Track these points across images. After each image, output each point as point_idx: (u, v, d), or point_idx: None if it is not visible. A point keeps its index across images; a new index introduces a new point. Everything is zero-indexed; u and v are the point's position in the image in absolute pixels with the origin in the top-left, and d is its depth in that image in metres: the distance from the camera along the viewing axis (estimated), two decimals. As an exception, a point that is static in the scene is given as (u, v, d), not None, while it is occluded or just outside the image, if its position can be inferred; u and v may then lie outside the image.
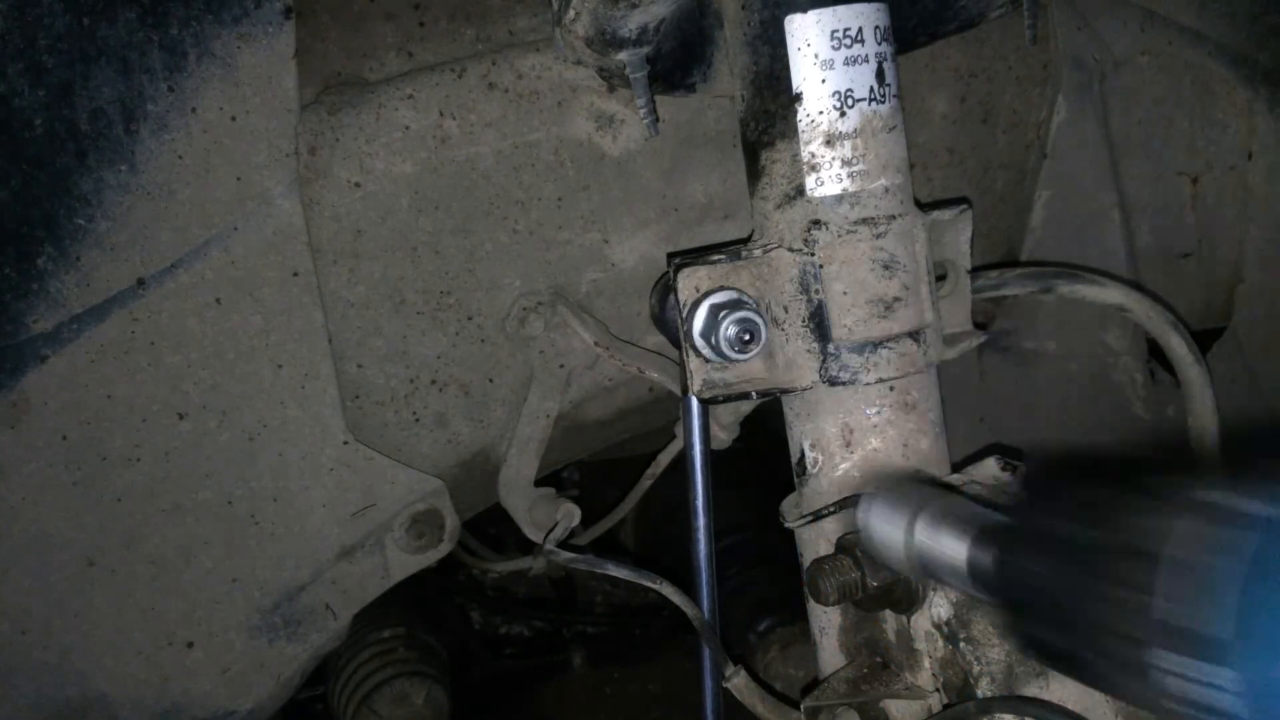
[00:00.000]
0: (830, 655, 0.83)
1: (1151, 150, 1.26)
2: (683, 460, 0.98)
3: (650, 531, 1.68)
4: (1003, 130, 1.17)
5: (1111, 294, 0.94)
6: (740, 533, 1.45)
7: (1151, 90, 1.24)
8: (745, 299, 0.81)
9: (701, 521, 0.90)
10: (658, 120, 0.85)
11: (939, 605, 0.71)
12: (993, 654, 0.68)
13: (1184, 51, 1.24)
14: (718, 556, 0.98)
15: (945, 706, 0.71)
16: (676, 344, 0.83)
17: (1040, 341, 1.27)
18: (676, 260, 0.81)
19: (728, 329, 0.79)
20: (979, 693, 0.67)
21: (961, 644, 0.69)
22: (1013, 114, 1.17)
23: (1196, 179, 1.30)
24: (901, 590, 0.72)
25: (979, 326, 0.90)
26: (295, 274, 0.90)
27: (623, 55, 0.76)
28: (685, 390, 0.90)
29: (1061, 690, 0.69)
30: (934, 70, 1.11)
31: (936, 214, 0.83)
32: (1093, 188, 1.21)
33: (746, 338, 0.79)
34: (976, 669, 0.68)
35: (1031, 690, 0.68)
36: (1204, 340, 1.41)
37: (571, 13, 0.75)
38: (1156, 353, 1.28)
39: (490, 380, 1.04)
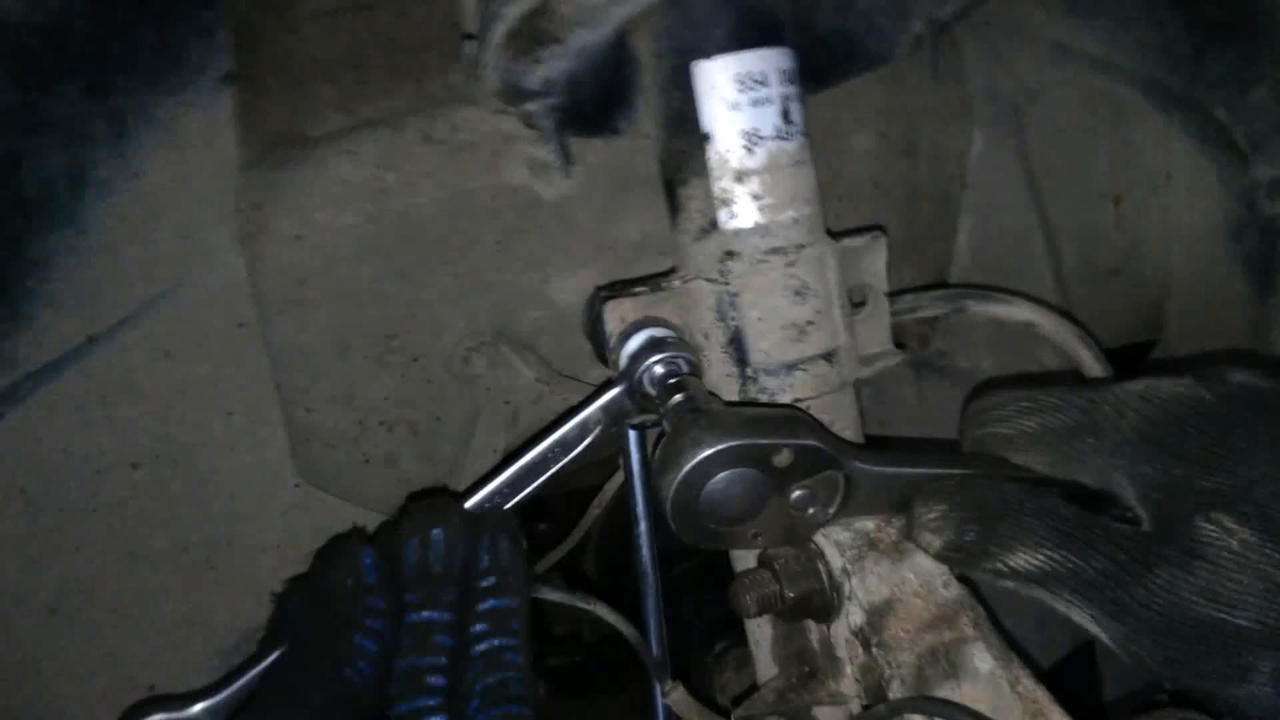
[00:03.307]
0: (766, 667, 0.87)
1: (1073, 175, 1.32)
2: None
3: (612, 561, 1.71)
4: (925, 162, 1.22)
5: (1019, 311, 0.98)
6: (693, 558, 1.49)
7: (1069, 118, 1.29)
8: (672, 339, 0.85)
9: (644, 540, 0.93)
10: (569, 164, 0.90)
11: (854, 613, 0.74)
12: (903, 657, 0.72)
13: (1097, 80, 1.29)
14: (672, 583, 1.01)
15: (864, 708, 0.75)
16: (604, 359, 0.87)
17: (975, 361, 1.32)
18: (603, 293, 0.86)
19: (653, 369, 0.83)
20: (890, 695, 0.71)
21: (874, 649, 0.72)
22: (934, 147, 1.22)
23: (1118, 200, 1.36)
24: (819, 600, 0.75)
25: (900, 347, 0.95)
26: (240, 325, 0.94)
27: (531, 106, 0.81)
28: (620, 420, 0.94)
29: (973, 690, 0.72)
30: (854, 109, 1.16)
31: (847, 241, 0.88)
32: (1015, 213, 1.26)
33: (672, 381, 0.83)
34: (888, 672, 0.71)
35: (943, 691, 0.71)
36: (1141, 351, 1.46)
37: (482, 68, 0.80)
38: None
39: (438, 419, 1.08)
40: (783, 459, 0.69)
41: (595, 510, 1.12)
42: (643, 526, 0.97)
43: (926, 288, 1.14)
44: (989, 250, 1.25)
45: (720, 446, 0.68)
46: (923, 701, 0.68)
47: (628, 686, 1.60)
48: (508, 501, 0.82)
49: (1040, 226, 1.27)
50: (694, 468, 0.68)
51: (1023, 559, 0.66)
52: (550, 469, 0.83)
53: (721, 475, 0.69)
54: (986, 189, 1.23)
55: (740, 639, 1.47)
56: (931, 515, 0.70)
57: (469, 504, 0.81)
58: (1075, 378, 1.31)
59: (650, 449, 0.91)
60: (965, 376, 1.32)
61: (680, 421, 0.72)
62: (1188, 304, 1.42)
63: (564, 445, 0.83)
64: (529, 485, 0.83)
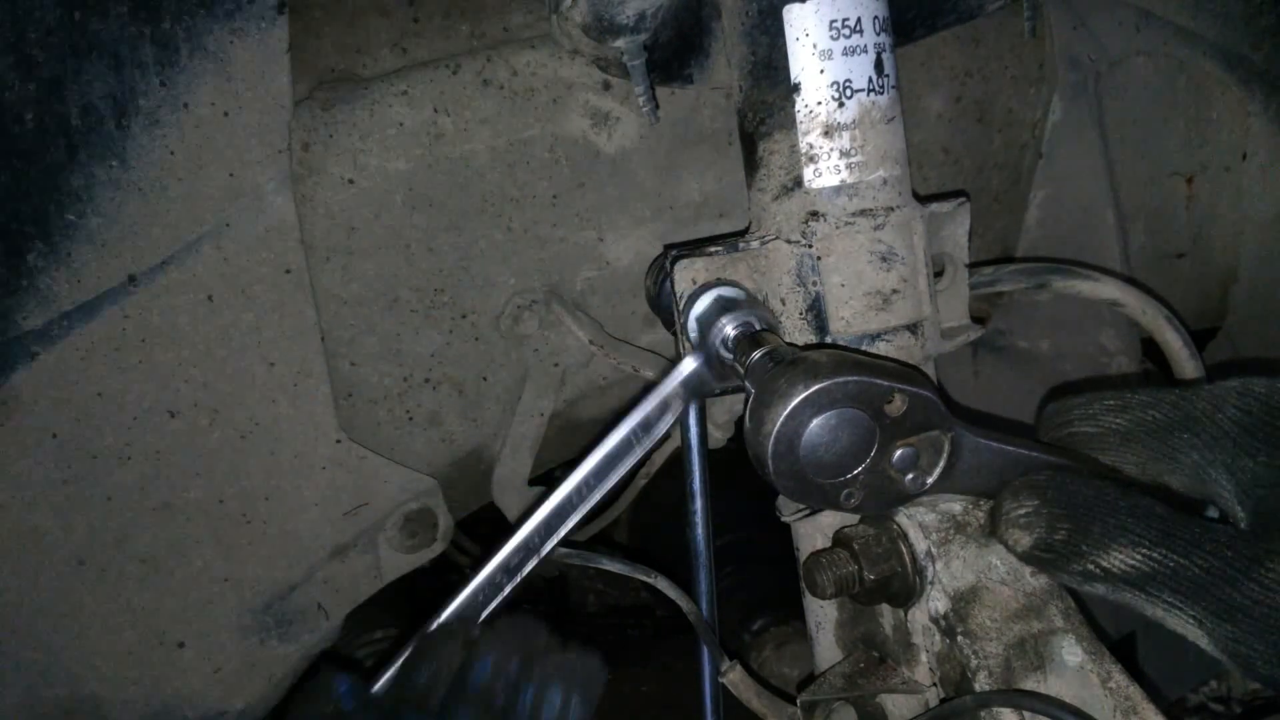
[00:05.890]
0: (827, 650, 0.83)
1: (1146, 150, 1.26)
2: (678, 459, 0.98)
3: (644, 531, 1.67)
4: (998, 130, 1.17)
5: (1106, 289, 0.94)
6: (734, 533, 1.45)
7: (1147, 90, 1.24)
8: (742, 300, 0.80)
9: (699, 518, 0.89)
10: (658, 108, 0.85)
11: (936, 599, 0.70)
12: (990, 647, 0.68)
13: (1179, 51, 1.24)
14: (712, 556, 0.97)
15: (942, 700, 0.71)
16: (670, 325, 0.82)
17: (1035, 341, 1.27)
18: (674, 252, 0.81)
19: (725, 330, 0.79)
20: (976, 687, 0.67)
21: (959, 637, 0.68)
22: (1008, 113, 1.17)
23: (1191, 179, 1.31)
24: (899, 584, 0.71)
25: (979, 321, 0.90)
26: (288, 271, 0.89)
27: (620, 42, 0.76)
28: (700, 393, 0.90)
29: (1060, 684, 0.68)
30: (930, 69, 1.11)
31: (934, 206, 0.83)
32: (1088, 188, 1.21)
33: (749, 337, 0.78)
34: (974, 663, 0.67)
35: (1029, 684, 0.67)
36: (1198, 341, 1.41)
37: (569, 0, 0.75)
38: (1152, 355, 1.28)
39: (484, 379, 1.03)
40: (896, 406, 0.65)
41: (642, 481, 1.08)
42: (698, 503, 0.92)
43: (997, 260, 1.09)
44: (1058, 226, 1.20)
45: (836, 380, 0.63)
46: (1015, 695, 0.64)
47: (656, 657, 1.57)
48: (591, 493, 0.76)
49: (1112, 203, 1.22)
50: (806, 399, 0.63)
51: (1118, 559, 0.62)
52: (634, 453, 0.77)
53: (831, 413, 0.64)
54: (1062, 160, 1.17)
55: (779, 618, 1.44)
56: (1021, 511, 0.66)
57: (552, 501, 0.75)
58: (1142, 380, 1.26)
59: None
60: (1023, 357, 1.27)
61: (781, 364, 0.68)
62: (1254, 292, 1.37)
63: (645, 426, 0.77)
64: (612, 471, 0.76)
